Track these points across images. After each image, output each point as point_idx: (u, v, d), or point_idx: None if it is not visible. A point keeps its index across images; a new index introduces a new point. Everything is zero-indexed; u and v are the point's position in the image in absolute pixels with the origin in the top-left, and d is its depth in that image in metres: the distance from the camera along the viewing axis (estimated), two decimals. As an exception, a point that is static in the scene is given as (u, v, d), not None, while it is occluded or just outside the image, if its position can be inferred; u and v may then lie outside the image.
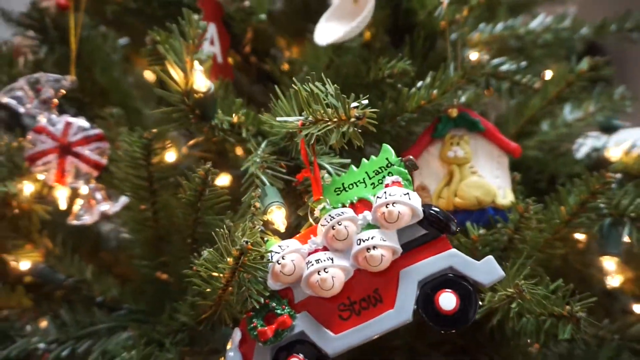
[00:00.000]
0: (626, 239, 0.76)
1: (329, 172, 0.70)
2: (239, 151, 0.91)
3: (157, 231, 0.87)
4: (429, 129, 0.84)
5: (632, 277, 1.08)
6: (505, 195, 0.80)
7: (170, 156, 1.06)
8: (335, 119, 0.58)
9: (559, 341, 0.77)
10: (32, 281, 0.92)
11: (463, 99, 0.91)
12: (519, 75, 0.95)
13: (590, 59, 0.91)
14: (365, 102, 0.58)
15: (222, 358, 0.70)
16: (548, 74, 1.00)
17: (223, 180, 1.03)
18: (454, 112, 0.83)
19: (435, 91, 0.81)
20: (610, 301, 1.04)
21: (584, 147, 1.07)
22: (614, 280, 0.82)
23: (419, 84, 0.83)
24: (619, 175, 0.80)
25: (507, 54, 1.04)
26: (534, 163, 1.02)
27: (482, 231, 0.74)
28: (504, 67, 0.96)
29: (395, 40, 0.98)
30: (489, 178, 0.81)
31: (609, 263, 0.82)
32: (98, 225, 1.15)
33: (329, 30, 0.84)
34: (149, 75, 1.13)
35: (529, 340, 0.73)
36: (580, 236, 0.85)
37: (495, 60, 0.96)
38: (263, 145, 0.78)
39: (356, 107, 0.57)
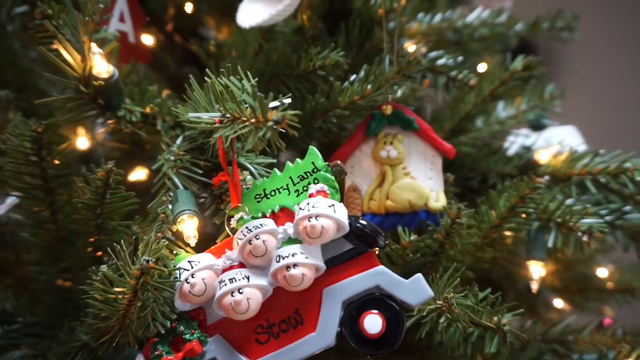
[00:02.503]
0: (550, 244, 0.76)
1: (251, 174, 0.64)
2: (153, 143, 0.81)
3: (57, 234, 0.76)
4: (362, 126, 0.79)
5: (552, 269, 1.11)
6: (437, 199, 0.77)
7: (82, 142, 0.94)
8: (253, 120, 0.51)
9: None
10: None
11: (399, 93, 0.87)
12: (455, 71, 0.93)
13: (524, 58, 0.90)
14: (288, 101, 0.51)
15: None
16: (482, 67, 0.99)
17: (139, 174, 0.94)
18: (388, 110, 0.78)
19: (369, 86, 0.76)
20: (532, 296, 1.07)
21: (514, 145, 1.07)
22: (535, 284, 0.83)
23: (353, 77, 0.77)
24: (547, 178, 0.79)
25: (444, 46, 1.01)
26: (467, 160, 1.01)
27: (413, 237, 0.70)
28: (441, 62, 0.92)
29: (330, 27, 0.92)
30: (421, 179, 0.78)
31: (535, 267, 0.82)
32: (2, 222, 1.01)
33: (253, 12, 0.75)
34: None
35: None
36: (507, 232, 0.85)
37: (432, 54, 0.93)
38: (178, 141, 0.69)
39: (275, 108, 0.50)
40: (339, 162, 0.58)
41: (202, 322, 0.56)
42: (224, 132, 0.53)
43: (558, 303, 1.09)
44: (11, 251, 1.00)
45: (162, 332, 0.54)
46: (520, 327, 0.88)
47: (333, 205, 0.55)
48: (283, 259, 0.54)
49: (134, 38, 0.82)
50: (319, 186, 0.56)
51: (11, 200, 0.71)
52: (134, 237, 0.59)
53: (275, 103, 0.51)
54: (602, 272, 1.13)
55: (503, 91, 0.92)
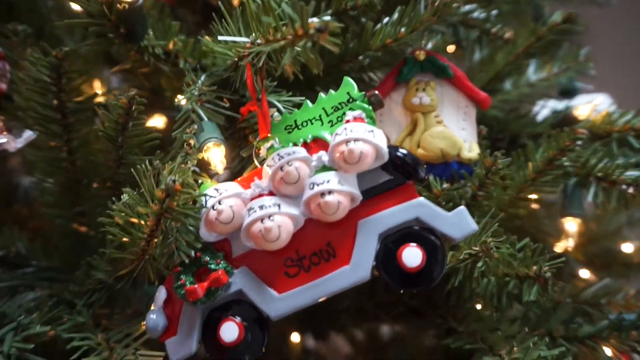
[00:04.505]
0: (590, 198, 0.73)
1: (279, 111, 0.60)
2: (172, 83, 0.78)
3: (73, 175, 0.74)
4: (392, 72, 0.75)
5: (576, 244, 1.08)
6: (470, 149, 0.73)
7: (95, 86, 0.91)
8: (290, 36, 0.47)
9: (514, 304, 0.74)
10: None
11: (430, 45, 0.83)
12: (488, 24, 0.89)
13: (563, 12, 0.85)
14: (328, 18, 0.47)
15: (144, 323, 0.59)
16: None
17: (157, 121, 0.91)
18: (421, 55, 0.74)
19: (403, 29, 0.72)
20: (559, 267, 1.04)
21: (544, 109, 1.03)
22: (571, 242, 0.79)
23: (385, 19, 0.73)
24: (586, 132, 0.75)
25: (476, 3, 0.97)
26: (494, 123, 0.97)
27: (445, 185, 0.67)
28: (474, 15, 0.88)
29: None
30: (454, 130, 0.74)
31: (570, 224, 0.78)
32: (16, 177, 1.00)
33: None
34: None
35: (483, 303, 0.68)
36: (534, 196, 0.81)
37: (466, 7, 0.88)
38: (202, 77, 0.66)
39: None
40: (376, 91, 0.54)
41: (227, 254, 0.53)
42: (257, 49, 0.49)
43: (584, 273, 1.06)
44: (25, 206, 0.99)
45: (186, 261, 0.51)
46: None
47: (372, 130, 0.51)
48: (317, 185, 0.50)
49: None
50: (357, 112, 0.52)
51: (28, 135, 0.68)
52: (155, 169, 0.55)
53: (314, 19, 0.47)
54: (627, 247, 1.09)
55: (539, 46, 0.88)
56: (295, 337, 0.98)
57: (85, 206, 0.76)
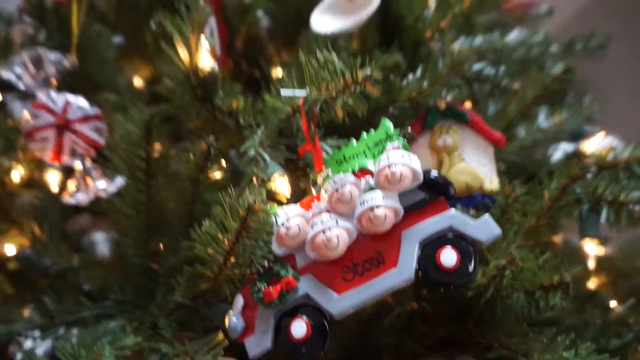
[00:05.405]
0: (603, 220, 0.81)
1: (327, 153, 0.73)
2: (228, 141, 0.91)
3: (149, 219, 0.86)
4: (418, 120, 0.88)
5: (606, 281, 1.13)
6: (492, 182, 0.84)
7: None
8: (341, 87, 0.61)
9: (544, 326, 0.80)
10: (14, 269, 0.89)
11: (449, 98, 0.97)
12: (498, 79, 1.02)
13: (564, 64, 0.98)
14: (369, 70, 0.61)
15: (220, 334, 0.69)
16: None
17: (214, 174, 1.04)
18: (442, 104, 0.88)
19: (425, 83, 0.86)
20: (590, 300, 1.08)
21: (557, 152, 1.13)
22: (592, 262, 0.86)
23: (410, 77, 0.88)
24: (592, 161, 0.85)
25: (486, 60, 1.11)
26: (512, 166, 1.07)
27: (472, 212, 0.77)
28: (486, 71, 1.02)
29: (382, 46, 1.04)
30: (476, 166, 0.85)
31: (589, 245, 0.86)
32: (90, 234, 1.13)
33: (325, 22, 0.88)
34: (138, 82, 1.14)
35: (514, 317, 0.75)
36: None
37: (477, 66, 1.03)
38: (262, 127, 0.80)
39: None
40: (409, 128, 0.66)
41: (293, 266, 0.63)
42: (313, 96, 0.63)
43: (615, 304, 1.10)
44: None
45: (261, 271, 0.62)
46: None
47: (409, 156, 0.63)
48: (367, 202, 0.62)
49: (219, 51, 0.95)
50: (395, 143, 0.65)
51: (120, 181, 0.82)
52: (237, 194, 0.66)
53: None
54: (658, 285, 1.13)
55: (546, 95, 1.00)
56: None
57: (158, 246, 0.87)
